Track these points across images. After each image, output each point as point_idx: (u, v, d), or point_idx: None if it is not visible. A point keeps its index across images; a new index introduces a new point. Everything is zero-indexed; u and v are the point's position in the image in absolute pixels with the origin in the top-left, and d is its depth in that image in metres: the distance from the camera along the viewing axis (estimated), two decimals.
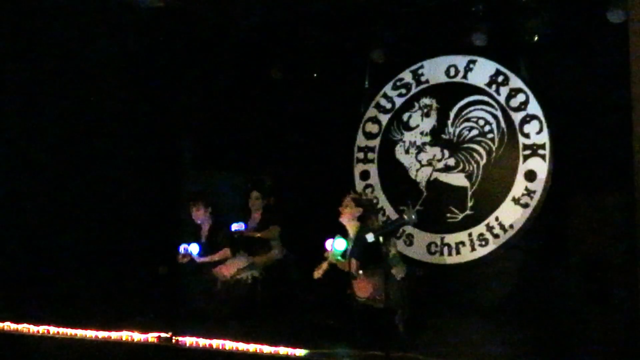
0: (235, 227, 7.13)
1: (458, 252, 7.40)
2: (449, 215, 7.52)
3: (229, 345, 4.93)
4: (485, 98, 7.52)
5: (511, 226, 7.22)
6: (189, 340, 5.13)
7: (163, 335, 5.27)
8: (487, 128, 7.50)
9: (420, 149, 7.86)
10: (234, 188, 8.78)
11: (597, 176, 6.57)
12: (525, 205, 7.15)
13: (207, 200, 7.30)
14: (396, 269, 5.67)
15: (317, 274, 5.76)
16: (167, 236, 8.64)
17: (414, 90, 7.97)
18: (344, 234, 5.85)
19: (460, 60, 7.67)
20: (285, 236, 7.24)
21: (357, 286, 5.47)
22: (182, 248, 6.97)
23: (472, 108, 7.60)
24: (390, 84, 8.10)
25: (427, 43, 7.79)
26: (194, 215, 7.28)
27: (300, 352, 4.71)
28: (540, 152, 7.16)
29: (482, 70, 7.55)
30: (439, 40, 7.69)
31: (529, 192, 7.16)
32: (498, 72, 7.46)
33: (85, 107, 7.94)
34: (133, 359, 5.23)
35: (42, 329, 5.57)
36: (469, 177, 7.55)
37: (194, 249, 6.95)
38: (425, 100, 7.89)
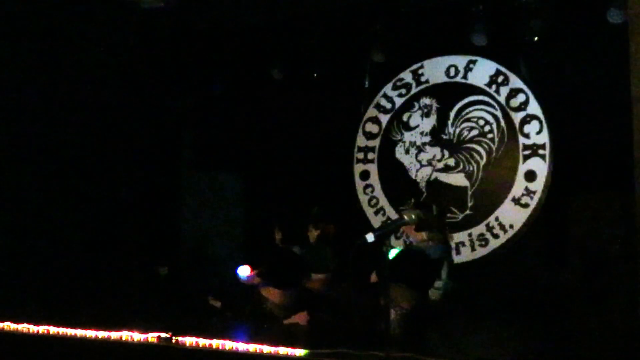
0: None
1: (458, 252, 7.39)
2: (449, 215, 7.52)
3: (229, 345, 4.93)
4: (485, 98, 7.52)
5: (511, 226, 7.22)
6: (189, 340, 5.12)
7: (163, 335, 5.26)
8: (487, 128, 7.50)
9: (420, 149, 7.86)
10: (233, 188, 8.81)
11: (597, 176, 6.57)
12: (525, 205, 7.16)
13: (281, 225, 6.89)
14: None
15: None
16: (167, 236, 8.66)
17: (414, 90, 7.98)
18: None
19: (460, 60, 7.68)
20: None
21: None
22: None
23: (472, 108, 7.61)
24: (390, 84, 8.11)
25: (427, 43, 7.79)
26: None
27: (300, 352, 4.71)
28: (540, 152, 7.17)
29: (482, 70, 7.55)
30: (439, 40, 7.70)
31: (529, 192, 7.16)
32: (498, 72, 7.47)
33: (85, 107, 7.93)
34: (133, 359, 5.22)
35: (42, 329, 5.56)
36: (469, 177, 7.55)
37: (243, 271, 6.67)
38: (425, 100, 7.89)
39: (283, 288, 6.48)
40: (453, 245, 6.87)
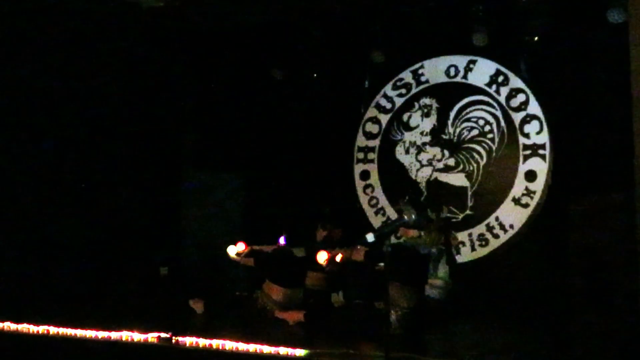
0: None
1: (458, 252, 7.39)
2: (449, 215, 7.52)
3: (229, 345, 4.93)
4: (486, 98, 7.52)
5: (511, 226, 7.23)
6: (189, 340, 5.13)
7: (163, 335, 5.26)
8: (487, 128, 7.50)
9: (420, 149, 7.86)
10: (232, 188, 8.80)
11: (597, 176, 6.57)
12: (525, 205, 7.16)
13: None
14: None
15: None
16: (167, 236, 8.66)
17: (414, 90, 7.98)
18: None
19: (460, 60, 7.68)
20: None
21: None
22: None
23: (472, 108, 7.61)
24: (390, 84, 8.11)
25: (427, 43, 7.79)
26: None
27: (300, 352, 4.71)
28: (540, 152, 7.17)
29: (482, 70, 7.56)
30: (439, 40, 7.70)
31: (529, 192, 7.16)
32: (498, 72, 7.47)
33: (85, 107, 7.93)
34: (133, 359, 5.23)
35: (42, 329, 5.56)
36: (469, 177, 7.55)
37: (239, 246, 6.89)
38: (425, 100, 7.89)
39: (286, 286, 6.49)
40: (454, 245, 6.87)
